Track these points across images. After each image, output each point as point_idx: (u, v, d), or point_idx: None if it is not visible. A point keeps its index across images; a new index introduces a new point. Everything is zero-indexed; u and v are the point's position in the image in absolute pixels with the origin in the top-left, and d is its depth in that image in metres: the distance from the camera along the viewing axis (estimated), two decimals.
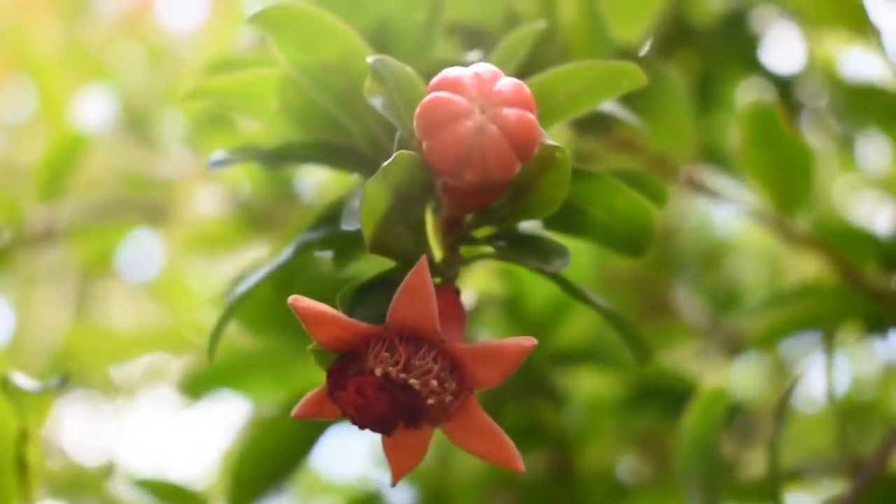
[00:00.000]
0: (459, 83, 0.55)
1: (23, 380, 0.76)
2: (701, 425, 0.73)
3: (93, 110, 1.56)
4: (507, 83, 0.55)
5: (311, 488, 1.66)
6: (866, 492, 0.83)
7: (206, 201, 1.37)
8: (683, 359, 1.18)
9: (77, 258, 1.62)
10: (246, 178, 1.32)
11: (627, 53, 0.78)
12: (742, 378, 1.52)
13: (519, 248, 0.60)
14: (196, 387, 1.05)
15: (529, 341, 0.54)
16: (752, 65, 1.28)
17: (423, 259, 0.54)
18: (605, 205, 0.61)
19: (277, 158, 0.66)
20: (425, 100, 0.55)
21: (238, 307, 0.65)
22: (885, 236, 0.93)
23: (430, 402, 0.55)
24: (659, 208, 0.65)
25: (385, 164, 0.54)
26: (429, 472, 1.07)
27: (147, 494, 0.94)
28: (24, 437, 0.78)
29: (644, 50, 0.85)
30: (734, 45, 1.28)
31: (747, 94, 1.32)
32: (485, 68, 0.56)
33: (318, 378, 0.57)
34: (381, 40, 0.70)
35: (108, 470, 1.00)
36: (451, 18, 0.74)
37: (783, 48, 1.31)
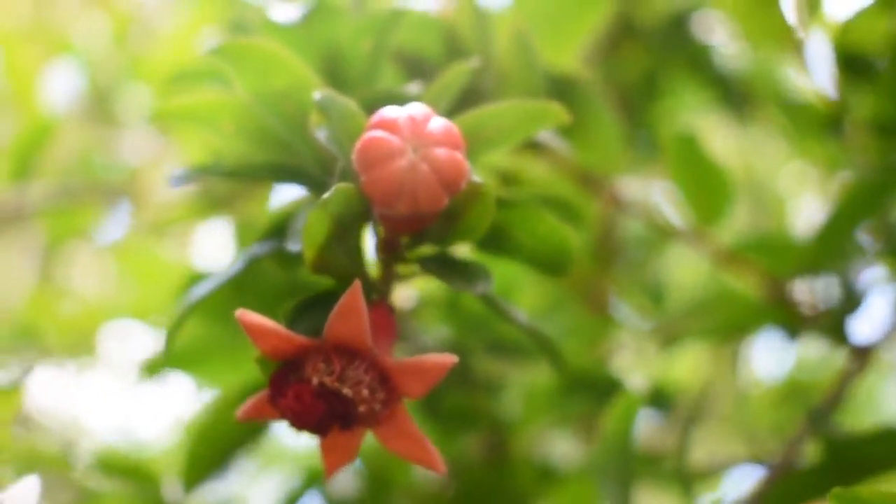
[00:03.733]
0: (395, 124, 0.61)
1: None
2: (617, 429, 0.79)
3: (60, 87, 1.60)
4: (437, 124, 0.62)
5: (270, 457, 1.73)
6: (773, 488, 0.90)
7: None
8: (616, 350, 1.26)
9: (44, 234, 1.66)
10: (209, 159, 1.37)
11: (558, 79, 0.84)
12: (686, 357, 1.59)
13: (448, 271, 0.66)
14: (155, 369, 1.11)
15: (450, 359, 0.61)
16: (697, 63, 1.34)
17: (357, 282, 0.60)
18: (528, 230, 0.68)
19: (233, 176, 0.72)
20: (363, 138, 0.61)
21: (192, 313, 0.71)
22: (803, 240, 0.99)
23: (362, 409, 0.61)
24: (578, 229, 0.71)
25: (325, 196, 0.60)
26: (373, 450, 1.14)
27: (104, 472, 1.00)
28: None
29: (574, 71, 0.91)
30: (679, 43, 1.34)
31: (693, 93, 1.38)
32: (418, 110, 0.62)
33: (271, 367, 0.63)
34: (332, 67, 0.76)
35: (69, 452, 1.06)
36: (397, 46, 0.80)
37: (728, 47, 1.37)
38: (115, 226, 1.73)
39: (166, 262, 1.63)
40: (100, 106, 1.59)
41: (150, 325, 1.67)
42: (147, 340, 1.73)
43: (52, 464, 1.02)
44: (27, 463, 1.00)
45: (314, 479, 1.11)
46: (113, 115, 1.57)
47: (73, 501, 1.04)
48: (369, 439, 0.65)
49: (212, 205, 1.33)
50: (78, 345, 1.81)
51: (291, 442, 1.63)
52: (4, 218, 1.30)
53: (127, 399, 1.90)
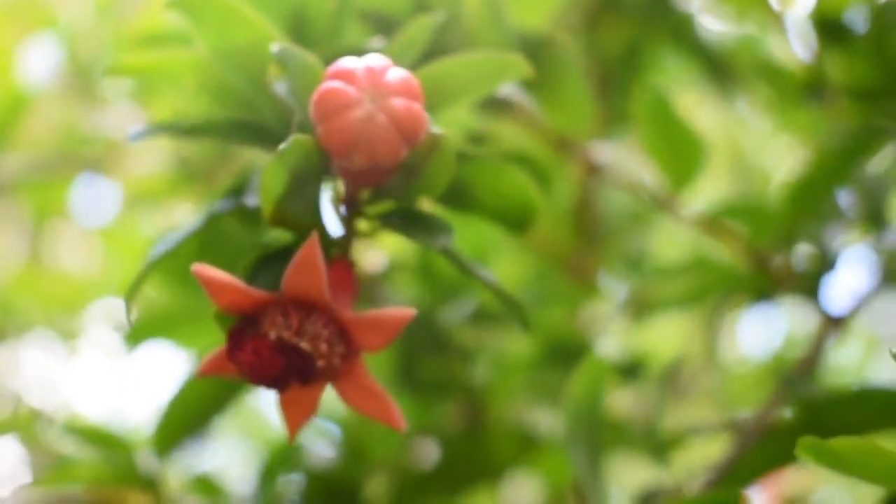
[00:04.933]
0: (352, 74, 0.60)
1: None
2: (583, 395, 0.79)
3: (40, 61, 1.59)
4: (395, 74, 0.61)
5: (250, 431, 1.73)
6: (748, 452, 0.90)
7: (148, 156, 1.41)
8: (598, 320, 1.25)
9: (27, 208, 1.65)
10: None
11: (527, 39, 0.83)
12: (670, 330, 1.59)
13: (409, 225, 0.65)
14: (134, 338, 1.11)
15: (409, 312, 0.60)
16: (680, 33, 1.33)
17: (314, 235, 0.59)
18: (490, 185, 0.67)
19: (194, 134, 0.71)
20: (319, 89, 0.60)
21: (152, 270, 0.70)
22: (777, 204, 0.99)
23: (321, 363, 0.61)
24: (545, 188, 0.71)
25: (280, 147, 0.59)
26: (350, 421, 1.13)
27: (75, 439, 1.00)
28: None
29: (546, 32, 0.90)
30: (662, 13, 1.33)
31: (676, 64, 1.38)
32: (376, 60, 0.61)
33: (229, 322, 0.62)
34: (297, 25, 0.75)
35: (35, 416, 1.06)
36: (363, 3, 0.79)
37: (711, 17, 1.37)
38: (97, 201, 1.72)
39: (152, 239, 1.63)
40: (81, 81, 1.58)
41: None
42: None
43: (19, 428, 1.01)
44: None
45: (291, 454, 1.11)
46: (94, 90, 1.56)
47: (46, 468, 1.04)
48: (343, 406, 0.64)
49: (189, 177, 1.32)
50: (64, 323, 1.81)
51: (272, 416, 1.63)
52: None
53: (115, 378, 1.90)
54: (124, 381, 1.91)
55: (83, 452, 1.01)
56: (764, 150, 1.69)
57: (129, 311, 0.71)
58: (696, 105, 1.55)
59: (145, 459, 1.00)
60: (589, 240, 1.24)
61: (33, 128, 1.48)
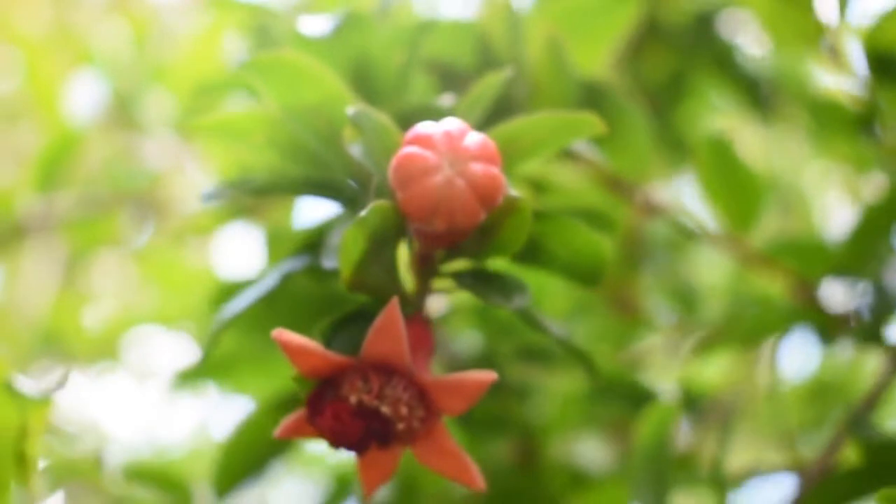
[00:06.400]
0: (430, 140, 0.61)
1: (25, 383, 0.81)
2: (652, 438, 0.79)
3: (82, 94, 1.60)
4: (473, 139, 0.61)
5: (296, 460, 1.73)
6: (811, 493, 0.89)
7: (194, 190, 1.41)
8: (648, 352, 1.25)
9: (68, 243, 1.66)
10: (233, 167, 1.37)
11: (588, 86, 0.83)
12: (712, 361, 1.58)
13: (484, 285, 0.65)
14: (186, 381, 1.11)
15: (490, 375, 0.60)
16: (723, 63, 1.33)
17: (395, 300, 0.60)
18: (563, 242, 0.67)
19: (265, 192, 0.71)
20: (399, 154, 0.60)
21: (226, 329, 0.70)
22: (835, 244, 0.98)
23: (400, 427, 0.61)
24: (611, 238, 0.71)
25: (361, 214, 0.59)
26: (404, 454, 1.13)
27: (135, 481, 1.00)
28: (24, 433, 0.83)
29: (607, 70, 0.90)
30: (705, 43, 1.33)
31: (718, 92, 1.38)
32: (454, 125, 0.61)
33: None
34: (362, 79, 0.76)
35: (99, 460, 1.06)
36: (428, 54, 0.79)
37: (754, 47, 1.37)
38: (139, 234, 1.73)
39: (188, 267, 1.63)
40: (122, 113, 1.59)
41: (173, 332, 1.67)
42: (171, 347, 1.73)
43: (82, 472, 1.02)
44: (58, 472, 1.00)
45: (346, 489, 1.11)
46: (135, 121, 1.57)
47: None
48: None
49: (236, 212, 1.33)
50: (102, 352, 1.81)
51: (315, 447, 1.63)
52: (31, 228, 1.30)
53: (150, 405, 1.90)
54: (161, 407, 1.91)
55: (139, 493, 1.01)
56: (802, 175, 1.69)
57: (201, 366, 0.71)
58: (736, 130, 1.54)
59: (201, 497, 1.01)
60: (636, 273, 1.24)
61: (78, 162, 1.48)
